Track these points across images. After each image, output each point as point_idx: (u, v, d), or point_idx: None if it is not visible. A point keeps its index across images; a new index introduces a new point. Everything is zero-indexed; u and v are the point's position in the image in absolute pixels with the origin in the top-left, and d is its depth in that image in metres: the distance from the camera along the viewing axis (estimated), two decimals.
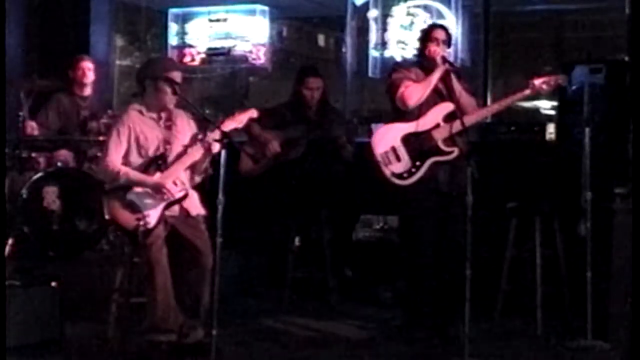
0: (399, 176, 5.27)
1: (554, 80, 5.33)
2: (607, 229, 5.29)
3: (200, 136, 5.09)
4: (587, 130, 5.46)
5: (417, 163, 5.26)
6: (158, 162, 5.02)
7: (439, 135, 5.26)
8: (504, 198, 5.92)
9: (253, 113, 5.21)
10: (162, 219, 4.91)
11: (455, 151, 5.23)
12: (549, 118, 8.95)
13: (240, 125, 5.14)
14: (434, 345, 5.26)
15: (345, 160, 6.35)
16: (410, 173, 5.26)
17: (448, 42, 5.48)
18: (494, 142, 6.57)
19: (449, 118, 5.25)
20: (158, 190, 4.94)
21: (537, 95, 5.47)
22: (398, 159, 5.28)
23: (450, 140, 5.25)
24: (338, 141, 6.33)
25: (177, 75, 5.09)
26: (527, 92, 5.32)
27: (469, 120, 5.25)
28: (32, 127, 6.64)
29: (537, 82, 5.29)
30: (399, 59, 8.93)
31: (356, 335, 5.66)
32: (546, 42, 10.87)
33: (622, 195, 5.24)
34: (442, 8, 8.80)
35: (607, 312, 5.24)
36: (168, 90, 5.03)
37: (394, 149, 5.29)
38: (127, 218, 4.89)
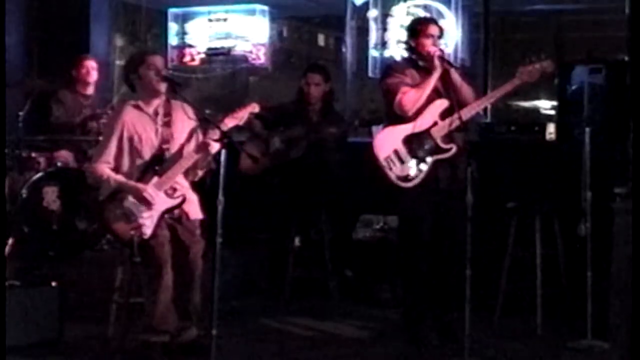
0: (404, 179, 5.23)
1: (539, 66, 5.16)
2: (607, 229, 5.29)
3: (199, 135, 5.06)
4: (587, 130, 5.45)
5: (420, 163, 5.24)
6: (155, 167, 4.95)
7: (438, 133, 5.22)
8: (504, 198, 5.91)
9: (254, 107, 5.11)
10: (159, 227, 4.84)
11: (454, 148, 5.20)
12: (549, 118, 8.93)
13: (241, 122, 5.06)
14: (434, 345, 5.26)
15: (332, 164, 6.35)
16: (414, 174, 5.24)
17: (441, 35, 5.43)
18: (494, 142, 6.56)
19: (446, 115, 5.21)
20: (139, 197, 4.84)
21: (529, 85, 5.26)
22: (401, 161, 5.25)
23: (448, 137, 5.22)
24: (327, 144, 6.33)
25: (156, 59, 5.04)
26: (516, 81, 5.17)
27: (463, 115, 5.18)
28: None
29: (524, 70, 5.13)
30: (398, 59, 8.93)
31: (356, 335, 5.66)
32: (546, 42, 10.84)
33: (622, 195, 5.23)
34: (442, 8, 8.79)
35: (607, 312, 5.23)
36: (151, 73, 4.97)
37: (396, 152, 5.26)
38: (122, 229, 4.84)
